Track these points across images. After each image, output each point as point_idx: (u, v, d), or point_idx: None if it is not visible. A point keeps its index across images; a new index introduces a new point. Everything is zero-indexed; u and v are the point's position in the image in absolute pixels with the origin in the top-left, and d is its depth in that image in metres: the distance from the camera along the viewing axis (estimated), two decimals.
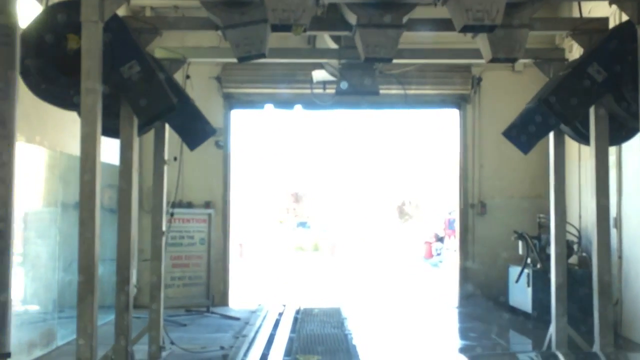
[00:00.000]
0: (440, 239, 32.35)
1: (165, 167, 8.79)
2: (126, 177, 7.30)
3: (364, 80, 8.94)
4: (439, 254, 30.70)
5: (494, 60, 7.29)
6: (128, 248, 7.37)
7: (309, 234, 41.63)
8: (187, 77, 9.89)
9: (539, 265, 11.33)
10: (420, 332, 11.25)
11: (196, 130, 8.63)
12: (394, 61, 7.71)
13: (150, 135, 8.74)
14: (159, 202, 8.66)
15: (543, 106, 7.65)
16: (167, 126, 8.69)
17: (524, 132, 8.50)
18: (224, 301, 13.17)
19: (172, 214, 10.03)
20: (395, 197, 42.67)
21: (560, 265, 8.66)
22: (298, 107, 13.58)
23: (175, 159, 9.31)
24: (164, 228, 8.72)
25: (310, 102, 13.14)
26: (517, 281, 11.45)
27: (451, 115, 13.86)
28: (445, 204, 32.02)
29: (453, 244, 28.57)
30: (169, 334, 9.32)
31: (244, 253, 31.58)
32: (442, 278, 20.71)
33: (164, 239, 8.76)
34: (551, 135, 8.77)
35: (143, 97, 6.88)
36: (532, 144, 8.56)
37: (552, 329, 8.45)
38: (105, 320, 11.22)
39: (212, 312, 12.20)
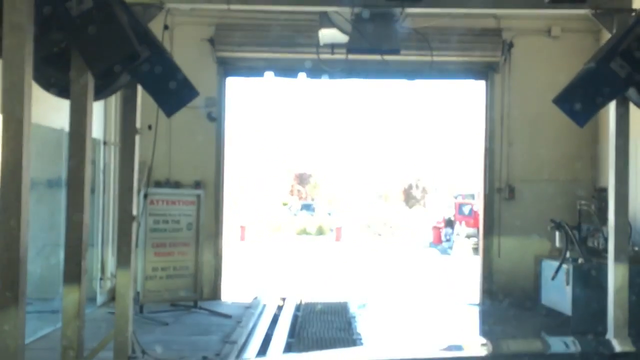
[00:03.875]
0: (450, 224, 30.97)
1: (137, 138, 7.16)
2: (77, 149, 5.68)
3: (382, 33, 7.26)
4: (448, 240, 29.22)
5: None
6: (80, 236, 5.76)
7: (314, 217, 40.02)
8: (166, 27, 8.19)
9: (580, 260, 9.70)
10: (437, 336, 9.69)
11: (174, 92, 6.98)
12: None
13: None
14: (127, 181, 7.06)
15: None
16: (139, 88, 7.08)
17: (581, 100, 6.83)
18: (215, 294, 11.60)
19: (145, 195, 8.40)
20: (404, 179, 40.87)
21: (620, 264, 7.02)
22: (302, 76, 11.93)
23: (149, 127, 7.66)
24: (134, 212, 7.11)
25: (317, 70, 11.45)
26: (553, 278, 9.82)
27: (477, 87, 12.18)
28: (459, 187, 30.42)
29: (464, 229, 27.38)
30: (142, 337, 7.78)
31: (245, 236, 30.11)
32: (454, 267, 19.14)
33: (134, 225, 7.16)
34: (612, 104, 7.08)
35: (96, 42, 5.27)
36: (590, 114, 6.92)
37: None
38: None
39: (200, 308, 10.63)
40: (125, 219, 7.05)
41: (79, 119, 5.66)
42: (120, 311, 7.12)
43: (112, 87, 6.61)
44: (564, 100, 6.95)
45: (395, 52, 7.60)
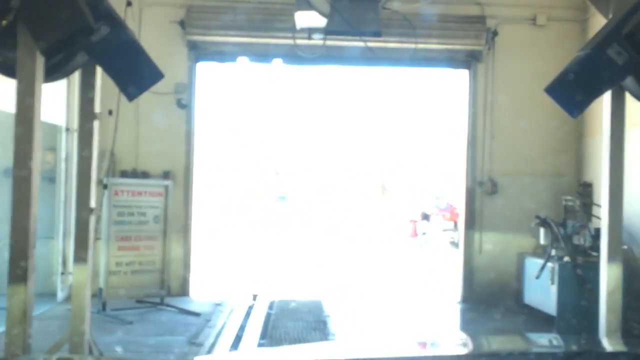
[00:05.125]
0: (427, 217, 30.65)
1: (96, 124, 6.57)
2: (24, 132, 5.09)
3: (363, 15, 6.74)
4: (424, 234, 28.89)
5: None
6: (26, 230, 5.18)
7: (287, 208, 39.39)
8: (128, 3, 7.56)
9: (566, 258, 9.30)
10: (414, 334, 9.25)
11: (137, 74, 6.39)
12: None
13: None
14: (85, 170, 6.47)
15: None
16: (99, 69, 6.48)
17: (574, 89, 6.38)
18: (183, 290, 11.03)
19: (105, 186, 7.80)
20: (381, 170, 40.43)
21: (614, 264, 6.58)
22: (278, 61, 11.37)
23: (110, 112, 7.07)
24: (92, 204, 6.53)
25: (293, 55, 10.93)
26: (538, 276, 9.42)
27: (459, 77, 11.71)
28: (438, 180, 30.02)
29: (440, 223, 27.03)
30: (102, 338, 7.24)
31: (218, 228, 29.47)
32: (431, 261, 18.76)
33: (92, 218, 6.57)
34: (607, 95, 6.63)
35: (43, 14, 4.69)
36: (584, 104, 6.44)
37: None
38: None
39: (167, 305, 10.07)
40: (82, 211, 6.46)
41: (27, 101, 5.08)
42: (76, 310, 6.51)
43: (67, 67, 6.04)
44: (556, 89, 6.47)
45: (377, 34, 7.10)
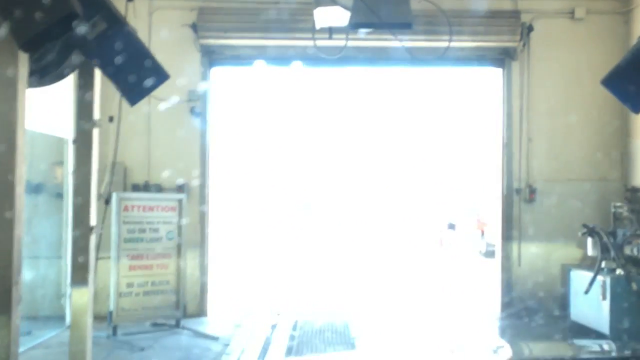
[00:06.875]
0: (452, 227, 29.97)
1: (96, 132, 5.89)
2: (5, 142, 4.40)
3: (392, 4, 6.00)
4: (450, 244, 28.09)
5: None
6: (10, 252, 4.47)
7: (313, 218, 38.62)
8: None
9: (618, 271, 8.44)
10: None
11: (139, 75, 5.71)
12: None
13: None
14: (83, 183, 5.79)
15: None
16: (97, 72, 5.82)
17: (636, 80, 5.58)
18: (200, 311, 10.32)
19: (107, 202, 7.10)
20: (404, 177, 39.50)
21: None
22: (297, 64, 10.66)
23: (111, 119, 6.37)
24: (92, 222, 5.84)
25: (313, 57, 10.20)
26: (587, 291, 8.57)
27: (491, 76, 10.92)
28: (467, 186, 29.04)
29: (468, 232, 26.14)
30: None
31: (237, 241, 28.77)
32: (461, 272, 17.87)
33: (93, 237, 5.88)
34: None
35: (21, 3, 4.00)
36: None
37: None
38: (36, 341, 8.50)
39: (183, 328, 9.36)
40: (80, 229, 5.77)
41: (6, 106, 4.39)
42: (76, 340, 5.81)
43: (60, 69, 5.38)
44: (614, 81, 5.67)
45: (408, 27, 6.37)
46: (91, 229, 5.83)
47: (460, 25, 9.86)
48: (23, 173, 4.63)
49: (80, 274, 5.79)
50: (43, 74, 5.24)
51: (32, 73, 4.81)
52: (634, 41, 9.34)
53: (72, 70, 5.58)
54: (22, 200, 4.60)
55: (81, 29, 4.70)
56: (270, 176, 38.21)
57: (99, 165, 6.14)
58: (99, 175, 6.11)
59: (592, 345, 8.42)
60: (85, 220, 5.79)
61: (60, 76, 5.59)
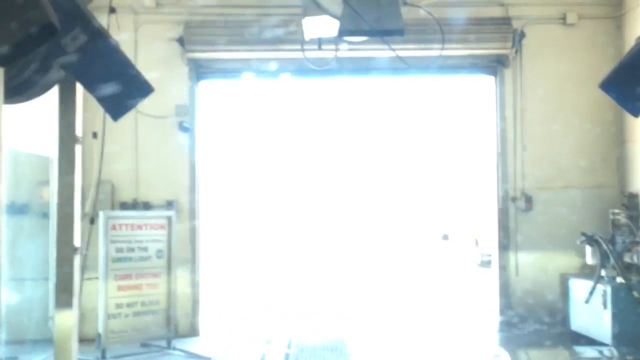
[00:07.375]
0: (446, 237, 29.99)
1: (78, 149, 5.69)
2: None
3: (382, 11, 5.84)
4: (444, 254, 27.96)
5: None
6: None
7: (307, 228, 38.31)
8: (112, 10, 6.72)
9: (619, 279, 8.27)
10: None
11: (121, 90, 5.51)
12: None
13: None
14: (67, 202, 5.57)
15: None
16: (79, 86, 5.62)
17: (635, 84, 5.43)
18: (193, 330, 10.06)
19: (92, 221, 6.88)
20: (399, 188, 39.31)
21: None
22: (286, 76, 10.51)
23: (94, 135, 6.17)
24: (77, 242, 5.62)
25: (303, 68, 10.06)
26: (587, 300, 8.39)
27: (483, 84, 10.77)
28: (460, 196, 28.92)
29: (461, 242, 26.00)
30: None
31: (230, 257, 28.46)
32: (457, 283, 17.65)
33: (77, 258, 5.66)
34: None
35: None
36: None
37: None
38: None
39: (175, 348, 9.11)
40: (63, 250, 5.55)
41: None
42: None
43: (40, 84, 5.17)
44: (612, 85, 5.54)
45: (399, 33, 6.18)
46: (75, 249, 5.62)
47: (452, 33, 9.66)
48: (2, 193, 4.42)
49: (64, 297, 5.58)
50: (23, 90, 5.05)
51: (10, 89, 4.64)
52: (627, 46, 9.23)
53: (52, 85, 5.39)
54: (2, 221, 4.38)
55: (59, 42, 4.54)
56: (264, 187, 37.98)
57: (84, 183, 5.96)
58: (84, 194, 5.91)
59: (592, 351, 8.30)
60: (69, 241, 5.58)
61: (40, 92, 5.39)
